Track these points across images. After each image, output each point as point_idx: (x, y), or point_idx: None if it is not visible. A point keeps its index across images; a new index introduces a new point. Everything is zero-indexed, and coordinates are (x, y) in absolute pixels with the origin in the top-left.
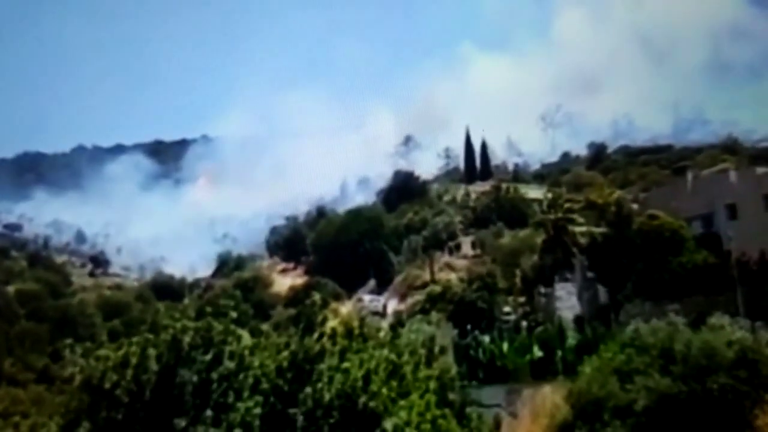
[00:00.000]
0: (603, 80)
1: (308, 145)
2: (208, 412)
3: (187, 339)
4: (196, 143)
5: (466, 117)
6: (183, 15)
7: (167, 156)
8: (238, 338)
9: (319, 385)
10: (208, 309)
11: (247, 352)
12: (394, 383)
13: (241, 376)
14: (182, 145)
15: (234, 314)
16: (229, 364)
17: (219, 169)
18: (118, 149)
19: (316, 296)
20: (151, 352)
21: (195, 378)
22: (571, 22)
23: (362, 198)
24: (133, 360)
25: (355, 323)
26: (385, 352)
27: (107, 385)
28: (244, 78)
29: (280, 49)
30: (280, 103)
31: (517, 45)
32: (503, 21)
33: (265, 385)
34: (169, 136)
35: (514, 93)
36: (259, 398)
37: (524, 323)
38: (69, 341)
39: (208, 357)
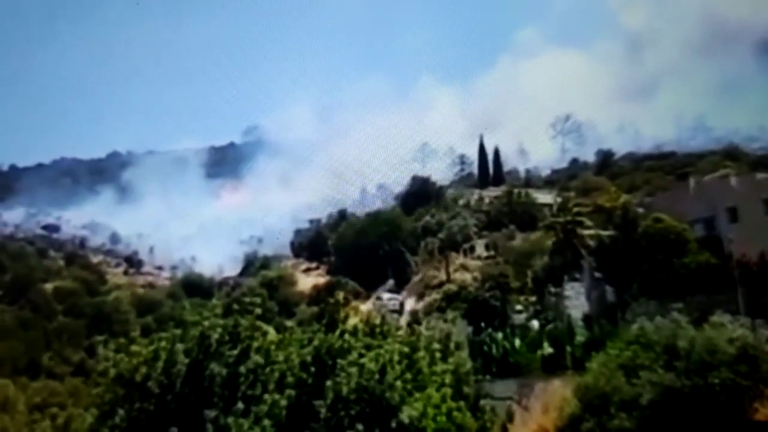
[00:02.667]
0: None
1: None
2: (239, 404)
3: (215, 335)
4: (226, 149)
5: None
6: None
7: (197, 161)
8: (264, 334)
9: (338, 378)
10: (236, 306)
11: (273, 347)
12: (409, 376)
13: (268, 369)
14: (212, 151)
15: (259, 311)
16: (257, 358)
17: (245, 173)
18: (150, 154)
19: (339, 295)
20: (180, 347)
21: (224, 371)
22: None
23: (381, 202)
24: (163, 354)
25: (377, 321)
26: (400, 346)
27: (139, 378)
28: (265, 86)
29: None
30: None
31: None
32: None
33: (290, 379)
34: (197, 143)
35: (526, 101)
36: (290, 392)
37: (535, 321)
38: (103, 337)
39: (236, 351)
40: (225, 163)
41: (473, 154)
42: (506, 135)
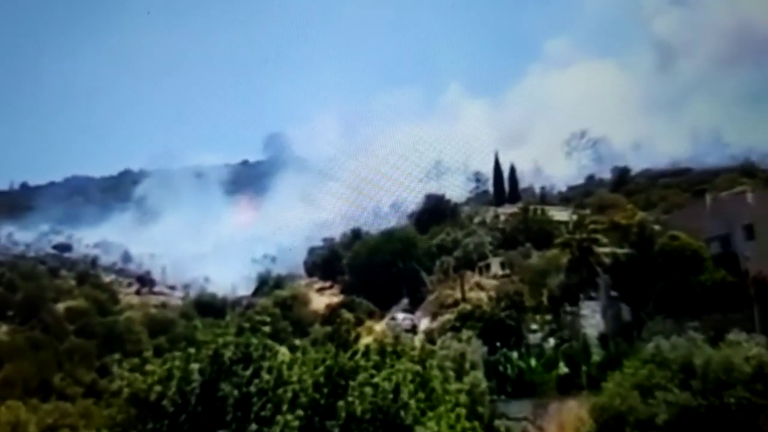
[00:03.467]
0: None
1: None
2: (252, 426)
3: (228, 353)
4: (237, 167)
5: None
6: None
7: (210, 179)
8: (275, 353)
9: (351, 398)
10: (247, 325)
11: (284, 367)
12: (422, 395)
13: (280, 390)
14: (225, 168)
15: (267, 329)
16: (268, 378)
17: (258, 191)
18: (163, 172)
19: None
20: (194, 366)
21: (236, 392)
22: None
23: (395, 220)
24: (177, 373)
25: (389, 340)
26: (413, 366)
27: (153, 398)
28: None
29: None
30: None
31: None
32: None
33: (303, 399)
34: (211, 161)
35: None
36: (300, 412)
37: (551, 340)
38: (117, 356)
39: (248, 372)
40: (238, 181)
41: (489, 171)
42: (524, 151)
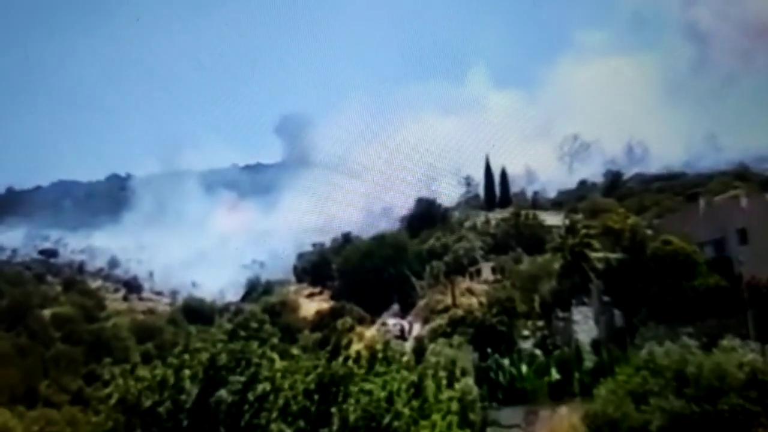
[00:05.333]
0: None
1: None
2: None
3: (223, 359)
4: (225, 171)
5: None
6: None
7: (197, 184)
8: (272, 361)
9: (345, 405)
10: (243, 333)
11: (279, 375)
12: (416, 404)
13: (272, 397)
14: (212, 174)
15: (275, 340)
16: (265, 386)
17: (247, 197)
18: (151, 177)
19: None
20: (187, 372)
21: (230, 399)
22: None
23: (386, 224)
24: (171, 379)
25: (379, 347)
26: (407, 374)
27: (146, 404)
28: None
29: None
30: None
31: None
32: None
33: (294, 407)
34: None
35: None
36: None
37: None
38: (109, 360)
39: (243, 378)
40: (227, 185)
41: (479, 175)
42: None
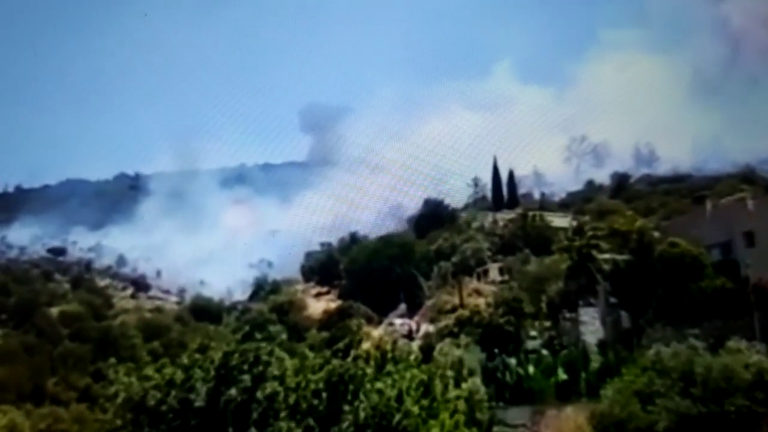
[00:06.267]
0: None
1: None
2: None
3: (234, 360)
4: (232, 170)
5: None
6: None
7: (206, 183)
8: (281, 360)
9: (356, 403)
10: (258, 335)
11: (289, 373)
12: (425, 402)
13: (281, 396)
14: (221, 172)
15: (284, 337)
16: (274, 385)
17: (255, 195)
18: (159, 176)
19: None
20: (199, 372)
21: (239, 398)
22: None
23: (393, 225)
24: (180, 378)
25: (389, 346)
26: (417, 372)
27: (151, 403)
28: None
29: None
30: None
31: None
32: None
33: (303, 406)
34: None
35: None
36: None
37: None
38: (113, 360)
39: (249, 376)
40: (237, 184)
41: (487, 176)
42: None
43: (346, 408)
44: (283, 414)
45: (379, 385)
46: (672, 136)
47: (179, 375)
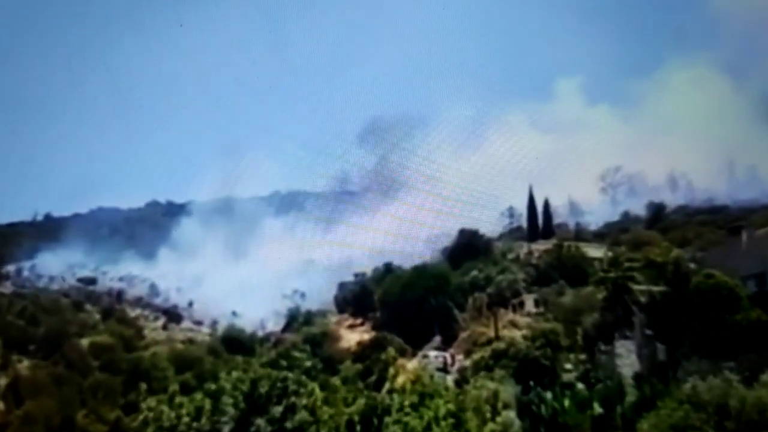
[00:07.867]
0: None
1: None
2: None
3: (262, 389)
4: (265, 200)
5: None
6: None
7: (237, 212)
8: (311, 391)
9: None
10: (283, 363)
11: (319, 404)
12: None
13: (313, 428)
14: (252, 202)
15: (309, 363)
16: (304, 415)
17: (290, 225)
18: (191, 205)
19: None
20: (228, 400)
21: (268, 429)
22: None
23: (428, 255)
24: (207, 407)
25: (426, 380)
26: (449, 405)
27: (182, 430)
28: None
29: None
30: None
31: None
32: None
33: None
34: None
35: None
36: None
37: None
38: (143, 386)
39: (281, 408)
40: (270, 213)
41: (522, 206)
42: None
43: None
44: None
45: (406, 418)
46: (710, 165)
47: (208, 403)
